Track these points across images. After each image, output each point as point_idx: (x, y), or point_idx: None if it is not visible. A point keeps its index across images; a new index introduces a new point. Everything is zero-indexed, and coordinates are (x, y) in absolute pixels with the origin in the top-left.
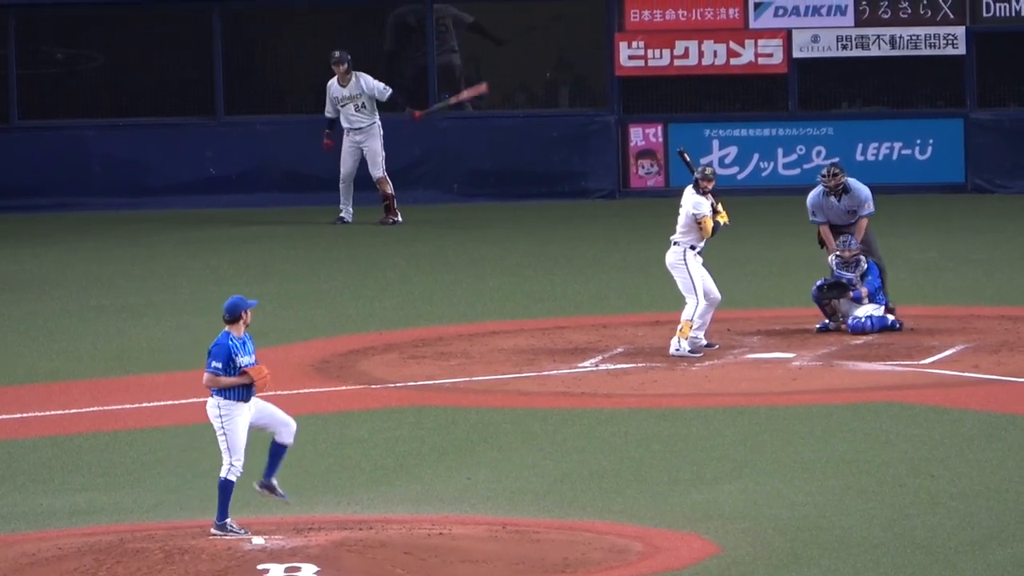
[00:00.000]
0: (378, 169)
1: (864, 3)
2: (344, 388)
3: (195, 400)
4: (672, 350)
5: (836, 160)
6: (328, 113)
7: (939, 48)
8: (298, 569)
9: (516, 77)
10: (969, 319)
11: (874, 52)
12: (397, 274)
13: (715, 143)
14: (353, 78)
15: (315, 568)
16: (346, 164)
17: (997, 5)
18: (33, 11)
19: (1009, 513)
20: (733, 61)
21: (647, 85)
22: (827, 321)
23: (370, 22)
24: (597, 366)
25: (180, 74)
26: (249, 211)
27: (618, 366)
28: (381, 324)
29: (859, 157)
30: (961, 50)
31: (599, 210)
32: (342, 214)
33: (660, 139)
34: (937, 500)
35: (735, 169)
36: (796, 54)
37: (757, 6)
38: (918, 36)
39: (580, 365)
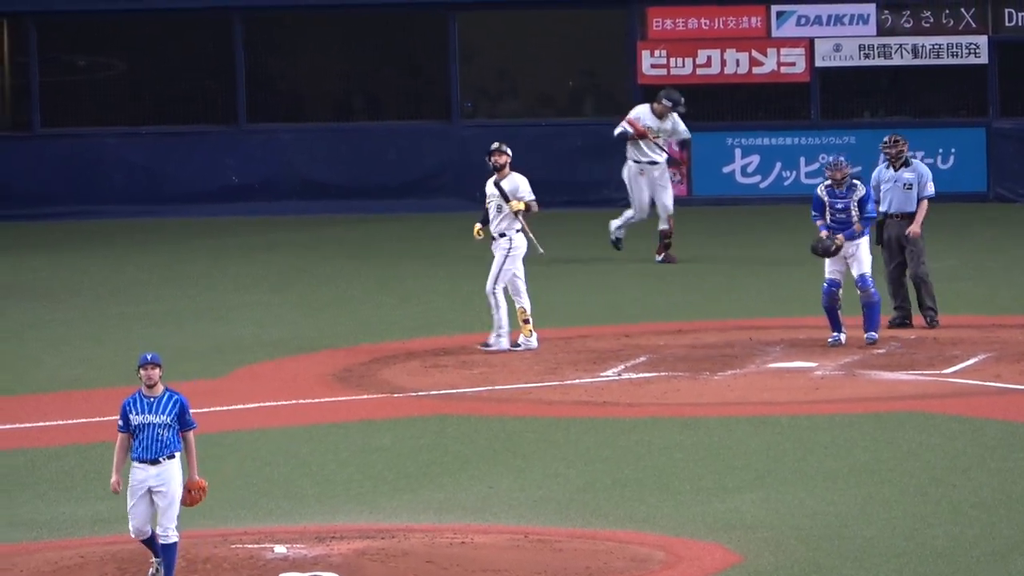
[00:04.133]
0: (672, 204)
1: (886, 12)
2: (366, 397)
3: (218, 409)
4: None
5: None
6: (621, 131)
7: (961, 57)
8: None
9: (539, 86)
10: (991, 328)
11: (896, 61)
12: (418, 283)
13: (737, 152)
14: (669, 114)
15: None
16: (646, 195)
17: (1020, 14)
18: (54, 19)
19: None
20: (755, 70)
21: None
22: (837, 335)
23: (391, 31)
24: (619, 375)
25: (201, 82)
26: (270, 219)
27: (640, 375)
28: (403, 333)
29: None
30: (983, 59)
31: None
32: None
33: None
34: (959, 510)
35: (757, 178)
36: (818, 63)
37: (779, 15)
38: (940, 45)
39: (602, 374)
